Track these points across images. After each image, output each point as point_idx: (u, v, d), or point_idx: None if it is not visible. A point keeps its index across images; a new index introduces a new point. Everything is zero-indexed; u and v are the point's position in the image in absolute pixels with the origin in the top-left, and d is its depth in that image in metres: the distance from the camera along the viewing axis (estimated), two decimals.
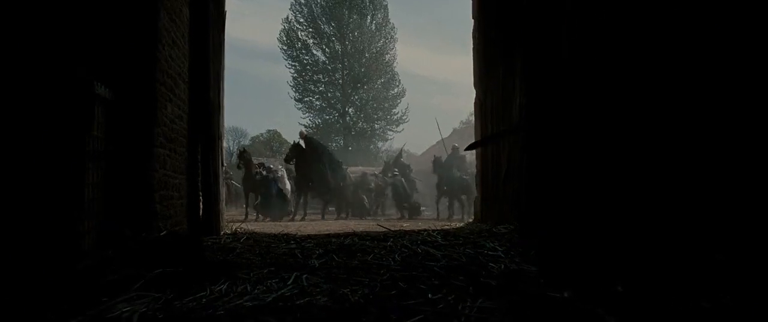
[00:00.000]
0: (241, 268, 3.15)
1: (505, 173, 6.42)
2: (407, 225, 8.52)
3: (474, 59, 7.69)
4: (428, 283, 2.81)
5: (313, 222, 10.69)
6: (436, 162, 15.40)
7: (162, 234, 3.35)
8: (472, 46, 7.75)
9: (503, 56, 6.42)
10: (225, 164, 6.59)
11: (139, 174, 3.31)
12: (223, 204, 6.42)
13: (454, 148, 15.49)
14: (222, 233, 5.95)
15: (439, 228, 6.52)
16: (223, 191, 6.52)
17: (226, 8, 6.63)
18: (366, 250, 4.10)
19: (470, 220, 7.92)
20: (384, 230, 6.55)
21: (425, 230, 5.91)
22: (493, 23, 6.85)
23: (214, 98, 5.46)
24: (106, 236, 3.00)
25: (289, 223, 10.35)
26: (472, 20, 7.74)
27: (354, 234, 5.67)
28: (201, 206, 5.22)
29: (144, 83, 3.37)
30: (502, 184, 6.50)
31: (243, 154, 13.78)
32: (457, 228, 6.80)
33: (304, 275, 2.93)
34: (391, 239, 4.86)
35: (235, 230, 6.45)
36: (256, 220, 12.30)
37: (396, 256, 3.76)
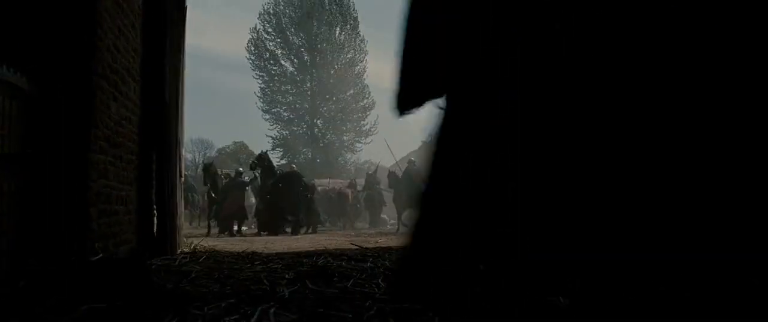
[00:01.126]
0: (195, 300, 2.57)
1: None
2: (383, 241, 7.98)
3: None
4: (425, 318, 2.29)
5: (280, 238, 10.05)
6: (391, 177, 15.81)
7: (98, 257, 2.75)
8: None
9: None
10: (184, 175, 5.96)
11: (71, 184, 2.72)
12: (181, 219, 5.79)
13: (410, 162, 15.83)
14: (179, 251, 5.32)
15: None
16: (181, 204, 5.89)
17: (189, 7, 6.05)
18: (344, 273, 3.55)
19: None
20: (359, 247, 6.00)
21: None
22: None
23: (171, 99, 4.86)
24: (22, 261, 2.41)
25: (254, 238, 9.68)
26: None
27: (327, 253, 5.11)
28: (155, 222, 4.60)
29: (78, 75, 2.78)
30: None
31: (208, 168, 13.05)
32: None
33: (272, 310, 2.37)
34: (371, 259, 4.32)
35: (195, 247, 5.82)
36: (221, 235, 11.60)
37: (380, 281, 3.23)
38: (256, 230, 12.74)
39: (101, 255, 2.77)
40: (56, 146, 2.68)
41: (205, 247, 6.43)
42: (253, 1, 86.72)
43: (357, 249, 5.79)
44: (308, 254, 5.05)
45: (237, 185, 12.74)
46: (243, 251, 5.47)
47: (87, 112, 2.84)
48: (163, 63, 4.54)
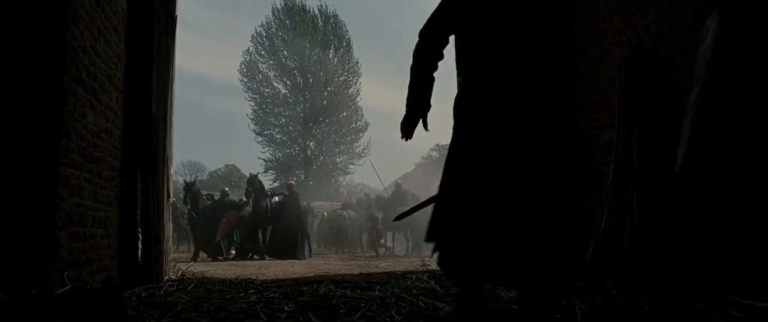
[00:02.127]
0: None
1: None
2: (384, 265, 7.55)
3: None
4: None
5: (275, 262, 9.59)
6: (378, 200, 16.03)
7: (66, 288, 2.34)
8: None
9: None
10: (172, 197, 5.54)
11: (35, 203, 2.32)
12: (168, 243, 5.36)
13: (397, 185, 16.02)
14: (165, 279, 4.88)
15: (423, 269, 5.59)
16: (169, 226, 5.46)
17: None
18: (350, 304, 3.14)
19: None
20: (362, 273, 5.58)
21: (413, 273, 4.97)
22: None
23: (158, 111, 4.47)
24: None
25: (248, 263, 9.21)
26: None
27: (328, 279, 4.68)
28: (139, 247, 4.17)
29: (46, 75, 2.40)
30: None
31: (190, 188, 12.55)
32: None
33: None
34: (378, 287, 3.90)
35: (183, 274, 5.37)
36: (217, 259, 11.10)
37: (393, 313, 2.82)
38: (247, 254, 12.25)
39: (70, 286, 2.35)
40: (18, 158, 2.28)
41: (194, 273, 5.98)
42: (246, 26, 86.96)
43: (360, 275, 5.37)
44: (307, 281, 4.62)
45: (230, 205, 12.25)
46: (236, 278, 5.04)
47: (57, 120, 2.45)
48: (149, 71, 4.16)
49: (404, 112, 2.71)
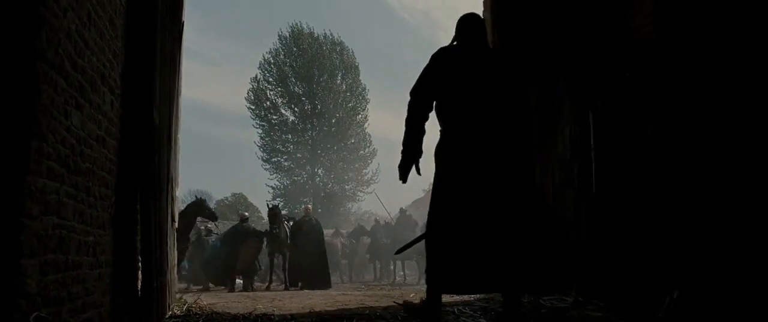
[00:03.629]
0: None
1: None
2: (412, 296, 6.87)
3: None
4: None
5: (288, 293, 8.92)
6: (387, 227, 16.38)
7: None
8: None
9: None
10: (176, 221, 4.96)
11: None
12: (173, 274, 4.76)
13: (401, 211, 16.88)
14: (168, 315, 4.28)
15: (463, 300, 4.96)
16: (173, 254, 4.87)
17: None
18: None
19: None
20: (396, 304, 4.93)
21: (454, 305, 4.33)
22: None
23: (162, 123, 3.93)
24: None
25: (260, 294, 8.52)
26: None
27: (356, 314, 4.06)
28: (139, 278, 3.58)
29: (10, 53, 1.84)
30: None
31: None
32: (474, 300, 5.25)
33: None
34: None
35: (189, 308, 4.77)
36: (231, 290, 10.46)
37: None
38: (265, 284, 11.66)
39: None
40: None
41: (201, 306, 5.36)
42: (254, 55, 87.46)
43: (390, 308, 4.73)
44: (333, 317, 4.00)
45: (251, 233, 11.55)
46: (250, 314, 4.43)
47: (26, 114, 1.89)
48: (151, 75, 3.62)
49: (400, 158, 3.34)
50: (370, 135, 35.49)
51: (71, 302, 2.42)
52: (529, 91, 5.00)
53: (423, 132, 3.31)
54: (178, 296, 5.93)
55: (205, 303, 5.91)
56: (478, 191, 3.10)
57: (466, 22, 3.42)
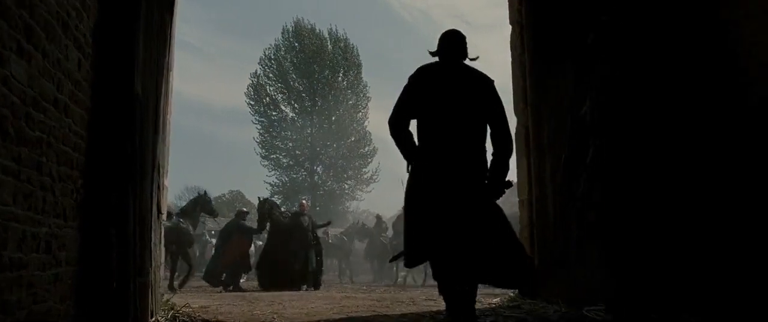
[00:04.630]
0: None
1: (584, 224, 4.37)
2: (406, 296, 6.28)
3: (515, 76, 5.77)
4: None
5: (286, 295, 8.29)
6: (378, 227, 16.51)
7: None
8: (511, 58, 5.85)
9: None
10: (163, 213, 4.35)
11: None
12: (157, 273, 4.16)
13: (400, 215, 16.45)
14: (151, 320, 3.67)
15: (489, 307, 4.36)
16: (158, 251, 4.26)
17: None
18: None
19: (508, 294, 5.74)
20: (406, 312, 4.34)
21: (487, 315, 3.74)
22: (552, 19, 5.00)
23: (148, 96, 3.33)
24: None
25: (256, 295, 7.88)
26: (510, 26, 5.87)
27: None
28: (114, 278, 2.96)
29: None
30: (578, 241, 4.45)
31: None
32: (503, 308, 4.66)
33: None
34: None
35: (175, 315, 4.16)
36: (224, 290, 9.84)
37: None
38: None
39: None
40: None
41: (191, 311, 4.75)
42: (253, 52, 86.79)
43: (407, 316, 4.13)
44: None
45: (240, 229, 10.97)
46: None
47: None
48: (133, 37, 3.00)
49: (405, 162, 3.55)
50: (370, 133, 34.89)
51: (12, 313, 1.82)
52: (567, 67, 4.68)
53: (411, 136, 3.55)
54: (164, 297, 5.32)
55: (196, 306, 5.30)
56: (451, 203, 3.28)
57: (447, 39, 3.55)
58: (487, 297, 6.68)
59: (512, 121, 5.82)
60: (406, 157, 3.51)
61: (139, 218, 3.16)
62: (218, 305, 5.59)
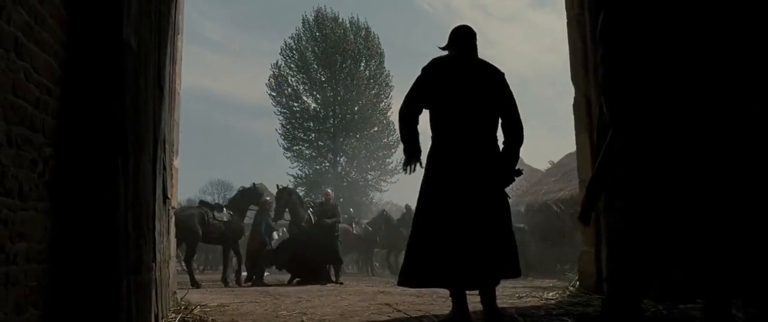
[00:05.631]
0: None
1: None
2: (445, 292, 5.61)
3: (572, 39, 5.03)
4: None
5: (315, 288, 7.67)
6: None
7: None
8: (566, 19, 5.11)
9: None
10: (171, 197, 3.73)
11: None
12: (166, 269, 3.54)
13: (408, 208, 16.61)
14: None
15: (534, 304, 3.67)
16: (167, 244, 3.64)
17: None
18: None
19: (567, 285, 5.03)
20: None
21: (543, 309, 3.05)
22: None
23: (147, 49, 2.68)
24: None
25: (281, 290, 7.25)
26: None
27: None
28: (100, 279, 2.32)
29: None
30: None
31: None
32: (573, 305, 3.96)
33: None
34: None
35: (183, 319, 3.54)
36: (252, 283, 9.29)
37: None
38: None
39: None
40: None
41: (207, 311, 4.15)
42: (275, 47, 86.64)
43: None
44: None
45: (256, 222, 10.53)
46: None
47: None
48: None
49: (403, 157, 3.55)
50: (393, 123, 34.17)
51: None
52: None
53: (416, 133, 3.53)
54: (179, 294, 4.72)
55: (214, 305, 4.70)
56: (464, 195, 3.28)
57: (459, 34, 3.58)
58: (537, 290, 5.96)
59: (570, 92, 5.13)
60: (407, 151, 3.50)
61: (134, 202, 2.52)
62: (239, 303, 4.98)
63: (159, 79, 3.15)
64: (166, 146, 3.44)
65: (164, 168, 3.35)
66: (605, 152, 2.69)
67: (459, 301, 3.29)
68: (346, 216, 17.20)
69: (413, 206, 3.60)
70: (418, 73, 3.53)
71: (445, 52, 3.61)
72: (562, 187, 15.14)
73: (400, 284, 3.40)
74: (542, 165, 25.10)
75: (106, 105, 2.24)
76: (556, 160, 21.45)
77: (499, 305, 3.58)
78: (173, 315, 3.43)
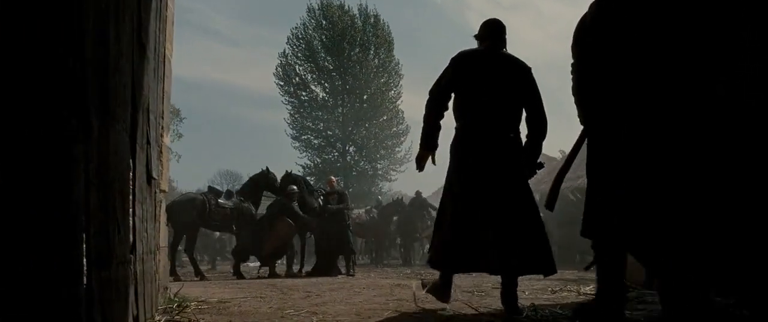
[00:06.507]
0: None
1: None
2: (468, 283, 5.10)
3: None
4: None
5: (323, 282, 7.17)
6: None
7: None
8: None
9: None
10: (158, 178, 3.21)
11: None
12: (153, 260, 3.02)
13: (417, 193, 16.70)
14: None
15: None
16: (156, 232, 3.13)
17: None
18: None
19: None
20: (493, 311, 3.16)
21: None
22: None
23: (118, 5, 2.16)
24: None
25: (288, 283, 6.74)
26: None
27: None
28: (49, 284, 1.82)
29: None
30: None
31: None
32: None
33: None
34: None
35: (174, 317, 3.03)
36: (261, 275, 8.82)
37: None
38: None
39: None
40: None
41: (205, 306, 3.65)
42: (283, 35, 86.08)
43: (495, 316, 2.94)
44: None
45: (290, 212, 9.79)
46: None
47: None
48: None
49: (418, 149, 3.71)
50: (402, 111, 33.57)
51: None
52: None
53: (439, 127, 3.62)
54: (175, 289, 4.22)
55: (213, 301, 4.20)
56: (489, 183, 3.34)
57: (490, 27, 3.67)
58: (570, 284, 5.44)
59: None
60: (424, 143, 3.62)
61: (100, 177, 2.00)
62: (242, 299, 4.48)
63: (139, 34, 2.62)
64: (151, 117, 2.93)
65: (148, 143, 2.83)
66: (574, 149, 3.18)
67: (448, 279, 3.56)
68: (367, 207, 16.88)
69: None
70: (434, 63, 3.51)
71: (476, 42, 3.74)
72: (578, 175, 14.57)
73: (430, 265, 3.60)
74: (553, 154, 24.48)
75: (54, 53, 1.72)
76: (566, 149, 20.87)
77: (535, 303, 3.54)
78: (159, 317, 2.92)
